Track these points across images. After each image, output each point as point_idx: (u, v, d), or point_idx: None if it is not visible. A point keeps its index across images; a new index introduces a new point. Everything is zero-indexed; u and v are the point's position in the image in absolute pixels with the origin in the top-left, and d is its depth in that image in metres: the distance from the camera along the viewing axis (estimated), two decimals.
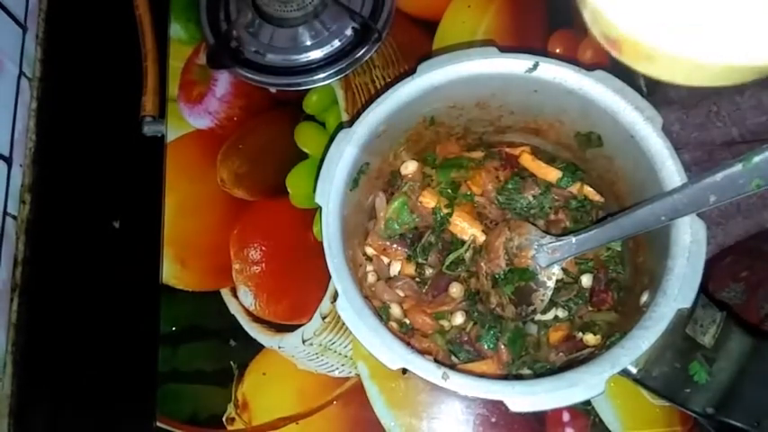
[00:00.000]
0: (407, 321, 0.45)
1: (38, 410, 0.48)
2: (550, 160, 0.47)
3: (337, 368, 0.47)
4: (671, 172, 0.38)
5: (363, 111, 0.42)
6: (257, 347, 0.48)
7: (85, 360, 0.49)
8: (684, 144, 0.48)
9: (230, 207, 0.52)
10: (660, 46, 0.27)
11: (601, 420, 0.44)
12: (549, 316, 0.44)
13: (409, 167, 0.47)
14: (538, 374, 0.42)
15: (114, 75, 0.57)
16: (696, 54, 0.26)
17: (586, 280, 0.45)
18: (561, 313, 0.44)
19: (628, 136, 0.40)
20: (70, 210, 0.53)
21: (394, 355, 0.37)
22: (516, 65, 0.41)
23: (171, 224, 0.52)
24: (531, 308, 0.42)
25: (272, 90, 0.55)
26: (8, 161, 0.51)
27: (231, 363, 0.48)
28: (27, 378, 0.48)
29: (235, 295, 0.50)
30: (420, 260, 0.45)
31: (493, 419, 0.45)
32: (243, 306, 0.49)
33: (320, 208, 0.41)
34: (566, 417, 0.45)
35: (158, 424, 0.46)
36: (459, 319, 0.44)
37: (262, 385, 0.47)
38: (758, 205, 0.47)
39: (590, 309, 0.44)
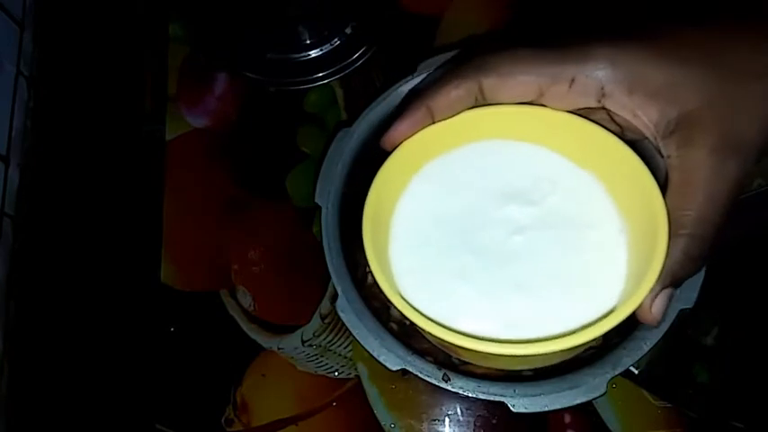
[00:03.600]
0: (408, 322, 0.44)
1: (35, 411, 0.48)
2: None
3: (337, 369, 0.47)
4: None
5: (363, 110, 0.42)
6: (256, 349, 0.48)
7: (83, 361, 0.49)
8: None
9: (229, 207, 0.52)
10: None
11: (602, 421, 0.44)
12: None
13: None
14: (539, 376, 0.41)
15: (113, 74, 0.57)
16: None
17: None
18: None
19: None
20: (68, 209, 0.53)
21: (394, 356, 0.37)
22: None
23: (170, 224, 0.52)
24: None
25: (271, 89, 0.55)
26: (6, 161, 0.50)
27: (230, 364, 0.48)
28: (24, 379, 0.48)
29: (233, 296, 0.50)
30: None
31: (494, 421, 0.45)
32: (241, 307, 0.49)
33: (320, 208, 0.40)
34: (567, 418, 0.44)
35: (157, 426, 0.46)
36: None
37: (261, 387, 0.47)
38: (759, 205, 0.47)
39: None
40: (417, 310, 0.26)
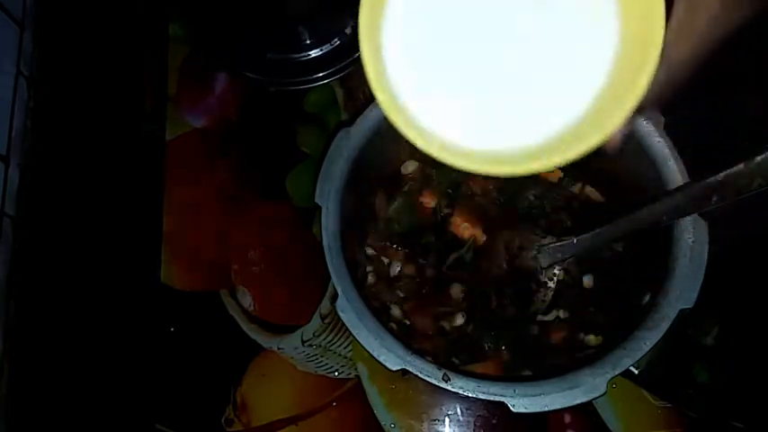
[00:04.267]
0: (408, 322, 0.44)
1: (35, 411, 0.48)
2: None
3: (337, 369, 0.47)
4: (672, 171, 0.38)
5: (363, 110, 0.41)
6: (257, 349, 0.48)
7: (83, 361, 0.49)
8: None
9: (229, 207, 0.52)
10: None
11: (602, 421, 0.44)
12: (551, 317, 0.44)
13: (409, 167, 0.47)
14: (539, 376, 0.41)
15: (113, 74, 0.57)
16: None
17: (588, 280, 0.44)
18: (562, 314, 0.44)
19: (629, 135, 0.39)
20: (68, 209, 0.53)
21: (394, 356, 0.37)
22: None
23: (170, 224, 0.52)
24: (533, 308, 0.42)
25: (271, 89, 0.55)
26: (6, 161, 0.50)
27: (230, 364, 0.48)
28: (24, 379, 0.48)
29: (233, 296, 0.50)
30: (420, 261, 0.45)
31: (494, 421, 0.45)
32: (241, 307, 0.49)
33: (320, 208, 0.40)
34: (567, 418, 0.44)
35: (157, 426, 0.46)
36: (459, 319, 0.44)
37: (261, 386, 0.47)
38: (759, 205, 0.47)
39: (591, 309, 0.44)
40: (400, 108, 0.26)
